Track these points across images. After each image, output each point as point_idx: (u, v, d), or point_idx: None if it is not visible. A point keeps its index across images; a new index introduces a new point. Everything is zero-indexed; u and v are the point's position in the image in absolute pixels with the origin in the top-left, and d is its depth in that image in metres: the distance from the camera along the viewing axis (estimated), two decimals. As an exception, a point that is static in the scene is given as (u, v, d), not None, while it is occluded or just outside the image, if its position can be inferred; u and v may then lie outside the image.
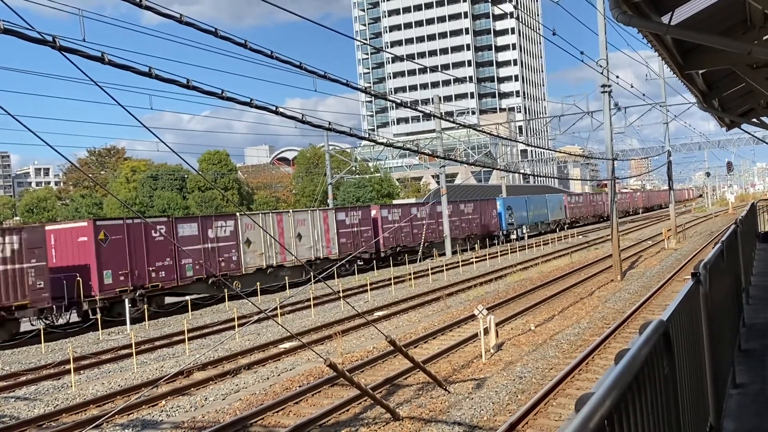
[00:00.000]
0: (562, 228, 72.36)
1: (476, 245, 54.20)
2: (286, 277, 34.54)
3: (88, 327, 26.19)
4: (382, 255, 44.13)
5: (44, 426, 13.57)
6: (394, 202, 70.55)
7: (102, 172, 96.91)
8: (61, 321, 26.41)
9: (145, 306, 27.99)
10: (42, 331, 22.90)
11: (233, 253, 33.16)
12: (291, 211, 40.12)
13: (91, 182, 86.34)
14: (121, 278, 27.69)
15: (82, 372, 18.32)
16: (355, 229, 42.01)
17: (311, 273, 33.37)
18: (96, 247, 26.84)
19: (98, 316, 25.51)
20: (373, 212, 44.86)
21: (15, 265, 23.73)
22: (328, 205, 55.57)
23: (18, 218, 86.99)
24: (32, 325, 25.45)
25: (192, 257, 30.50)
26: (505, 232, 59.21)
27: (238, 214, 34.99)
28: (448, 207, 49.60)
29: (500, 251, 48.07)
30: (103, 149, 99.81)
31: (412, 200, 73.38)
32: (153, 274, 29.06)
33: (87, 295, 26.26)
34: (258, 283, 32.36)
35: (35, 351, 22.68)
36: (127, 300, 26.76)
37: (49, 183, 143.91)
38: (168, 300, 30.91)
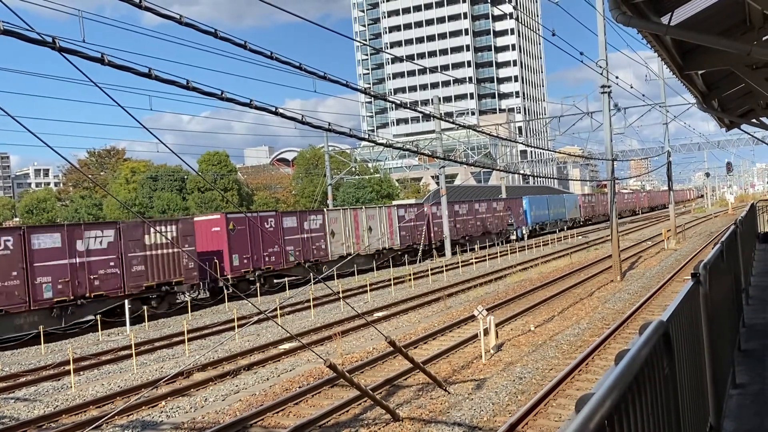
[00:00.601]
0: (577, 225, 79.02)
1: (510, 237, 60.89)
2: (355, 265, 40.45)
3: (89, 328, 26.17)
4: (434, 246, 50.51)
5: (44, 427, 13.57)
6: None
7: (102, 173, 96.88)
8: (202, 295, 32.85)
9: (259, 284, 33.60)
10: (189, 304, 29.09)
11: (322, 243, 39.34)
12: (364, 207, 46.35)
13: (91, 183, 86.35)
14: (245, 261, 33.87)
15: (81, 373, 18.32)
16: (412, 223, 47.82)
17: (311, 274, 33.70)
18: (228, 236, 33.04)
19: (227, 291, 32.00)
20: (426, 209, 50.38)
21: (174, 249, 29.39)
22: (327, 206, 55.58)
23: (17, 219, 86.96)
24: (183, 298, 31.22)
25: (293, 245, 37.12)
26: (530, 228, 65.36)
27: (325, 210, 41.61)
28: (483, 204, 57.54)
29: (500, 252, 48.07)
30: (102, 150, 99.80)
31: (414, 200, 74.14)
32: (266, 259, 35.06)
33: (221, 274, 31.93)
34: (335, 267, 36.57)
35: (35, 352, 22.68)
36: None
37: (48, 184, 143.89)
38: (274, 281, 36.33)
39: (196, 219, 33.74)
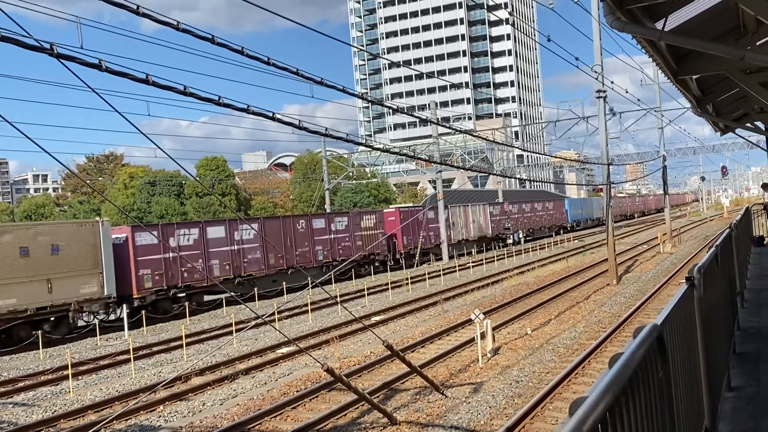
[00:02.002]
0: (601, 224, 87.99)
1: (552, 233, 71.32)
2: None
3: (87, 333, 26.14)
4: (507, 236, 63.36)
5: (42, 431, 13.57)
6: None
7: (100, 179, 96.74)
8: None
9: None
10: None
11: (439, 231, 50.15)
12: (470, 205, 58.16)
13: (89, 189, 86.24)
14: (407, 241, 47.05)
15: (80, 378, 18.31)
16: (498, 217, 61.07)
17: (308, 279, 33.67)
18: (400, 224, 43.85)
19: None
20: (506, 206, 63.78)
21: (375, 231, 42.79)
22: (325, 211, 55.61)
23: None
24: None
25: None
26: (570, 225, 79.34)
27: (450, 206, 52.75)
28: (538, 203, 69.74)
29: (497, 256, 48.11)
30: (101, 156, 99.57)
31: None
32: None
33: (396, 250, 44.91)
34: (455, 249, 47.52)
35: (33, 357, 22.66)
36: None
37: (47, 189, 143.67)
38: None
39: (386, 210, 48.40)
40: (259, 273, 34.57)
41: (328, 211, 54.29)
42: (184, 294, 30.72)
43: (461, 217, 54.83)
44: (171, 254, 29.75)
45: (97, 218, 31.30)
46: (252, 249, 34.42)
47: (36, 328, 24.39)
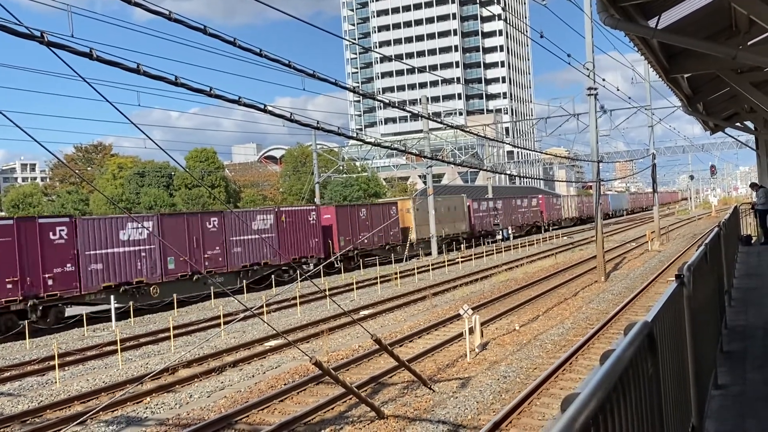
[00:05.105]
0: (629, 213, 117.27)
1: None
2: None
3: (74, 324, 25.98)
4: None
5: (28, 422, 13.49)
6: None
7: (89, 169, 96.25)
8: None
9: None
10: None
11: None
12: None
13: (78, 178, 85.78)
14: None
15: (66, 368, 18.23)
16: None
17: (297, 272, 33.53)
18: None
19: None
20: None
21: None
22: (315, 204, 55.54)
23: (2, 213, 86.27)
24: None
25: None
26: (611, 213, 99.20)
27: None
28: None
29: (486, 252, 48.20)
30: (89, 145, 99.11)
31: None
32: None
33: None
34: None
35: (19, 347, 22.55)
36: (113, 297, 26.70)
37: (35, 179, 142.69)
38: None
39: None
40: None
41: (317, 203, 54.23)
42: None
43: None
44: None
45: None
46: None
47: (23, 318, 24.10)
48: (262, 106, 8.92)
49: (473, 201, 60.14)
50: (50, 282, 25.52)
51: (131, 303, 27.30)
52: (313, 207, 41.96)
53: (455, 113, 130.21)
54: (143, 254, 29.31)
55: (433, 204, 49.36)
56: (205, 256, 31.98)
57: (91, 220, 28.56)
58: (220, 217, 33.24)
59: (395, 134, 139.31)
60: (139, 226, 29.12)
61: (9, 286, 24.16)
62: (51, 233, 25.77)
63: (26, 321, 23.86)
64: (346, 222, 42.93)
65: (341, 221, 42.38)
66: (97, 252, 27.35)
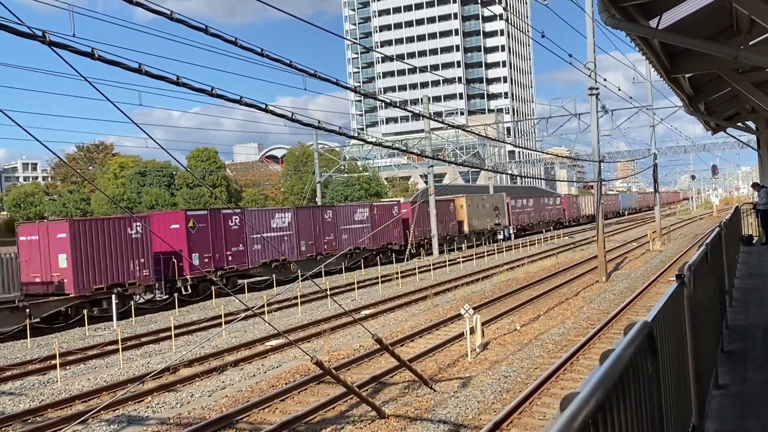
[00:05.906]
0: (637, 211, 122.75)
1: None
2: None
3: (75, 323, 26.01)
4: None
5: (29, 421, 13.52)
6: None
7: (90, 168, 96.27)
8: None
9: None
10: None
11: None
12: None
13: (79, 178, 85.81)
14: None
15: (67, 367, 18.25)
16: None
17: (298, 272, 33.58)
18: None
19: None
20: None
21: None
22: (316, 203, 55.55)
23: (5, 213, 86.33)
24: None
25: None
26: (622, 212, 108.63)
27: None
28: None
29: (487, 251, 48.21)
30: (91, 145, 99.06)
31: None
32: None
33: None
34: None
35: (21, 346, 22.57)
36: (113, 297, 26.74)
37: (36, 178, 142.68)
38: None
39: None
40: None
41: (319, 204, 54.24)
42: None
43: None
44: None
45: None
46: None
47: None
48: (263, 106, 8.93)
49: (511, 198, 66.32)
50: (230, 258, 33.09)
51: (131, 303, 27.37)
52: (396, 202, 49.15)
53: (456, 113, 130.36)
54: (285, 238, 37.00)
55: (479, 202, 57.81)
56: (324, 240, 39.37)
57: (254, 211, 38.46)
58: (334, 210, 41.44)
59: (396, 134, 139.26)
60: (283, 216, 37.04)
61: (206, 260, 31.50)
62: (230, 221, 33.43)
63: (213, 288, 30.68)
64: (418, 216, 49.07)
65: (415, 215, 48.55)
66: (257, 236, 34.34)
